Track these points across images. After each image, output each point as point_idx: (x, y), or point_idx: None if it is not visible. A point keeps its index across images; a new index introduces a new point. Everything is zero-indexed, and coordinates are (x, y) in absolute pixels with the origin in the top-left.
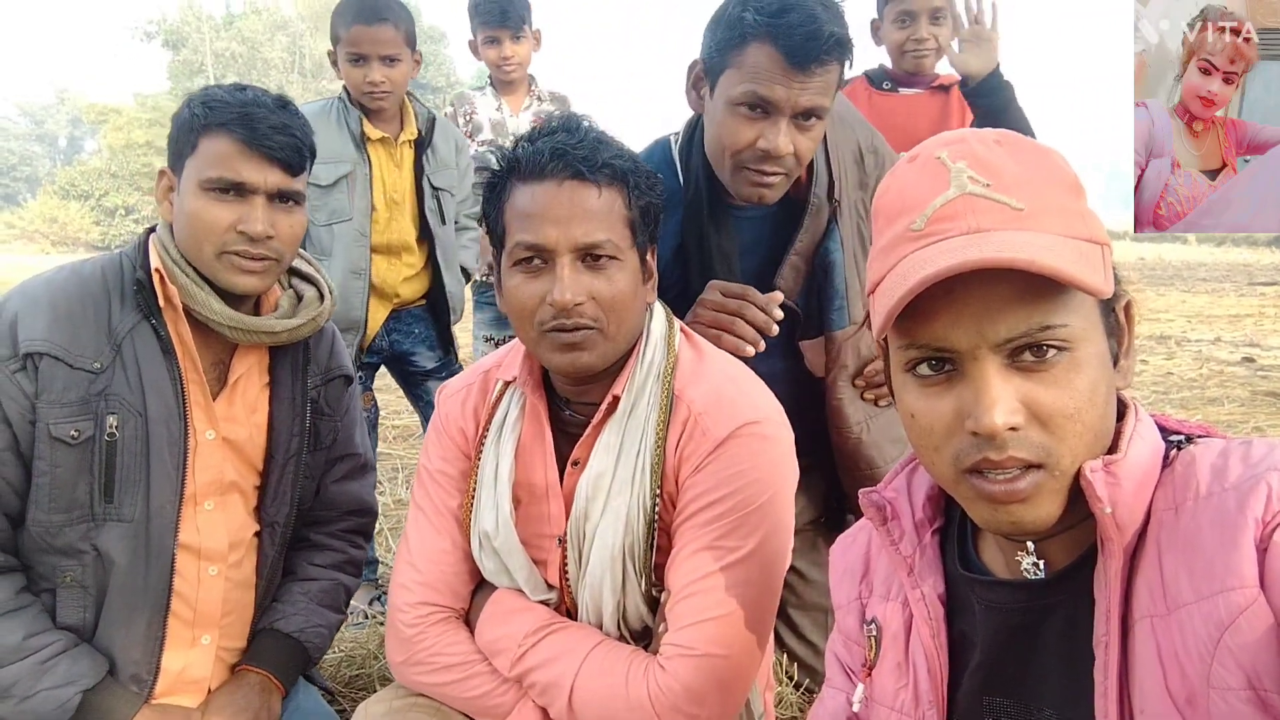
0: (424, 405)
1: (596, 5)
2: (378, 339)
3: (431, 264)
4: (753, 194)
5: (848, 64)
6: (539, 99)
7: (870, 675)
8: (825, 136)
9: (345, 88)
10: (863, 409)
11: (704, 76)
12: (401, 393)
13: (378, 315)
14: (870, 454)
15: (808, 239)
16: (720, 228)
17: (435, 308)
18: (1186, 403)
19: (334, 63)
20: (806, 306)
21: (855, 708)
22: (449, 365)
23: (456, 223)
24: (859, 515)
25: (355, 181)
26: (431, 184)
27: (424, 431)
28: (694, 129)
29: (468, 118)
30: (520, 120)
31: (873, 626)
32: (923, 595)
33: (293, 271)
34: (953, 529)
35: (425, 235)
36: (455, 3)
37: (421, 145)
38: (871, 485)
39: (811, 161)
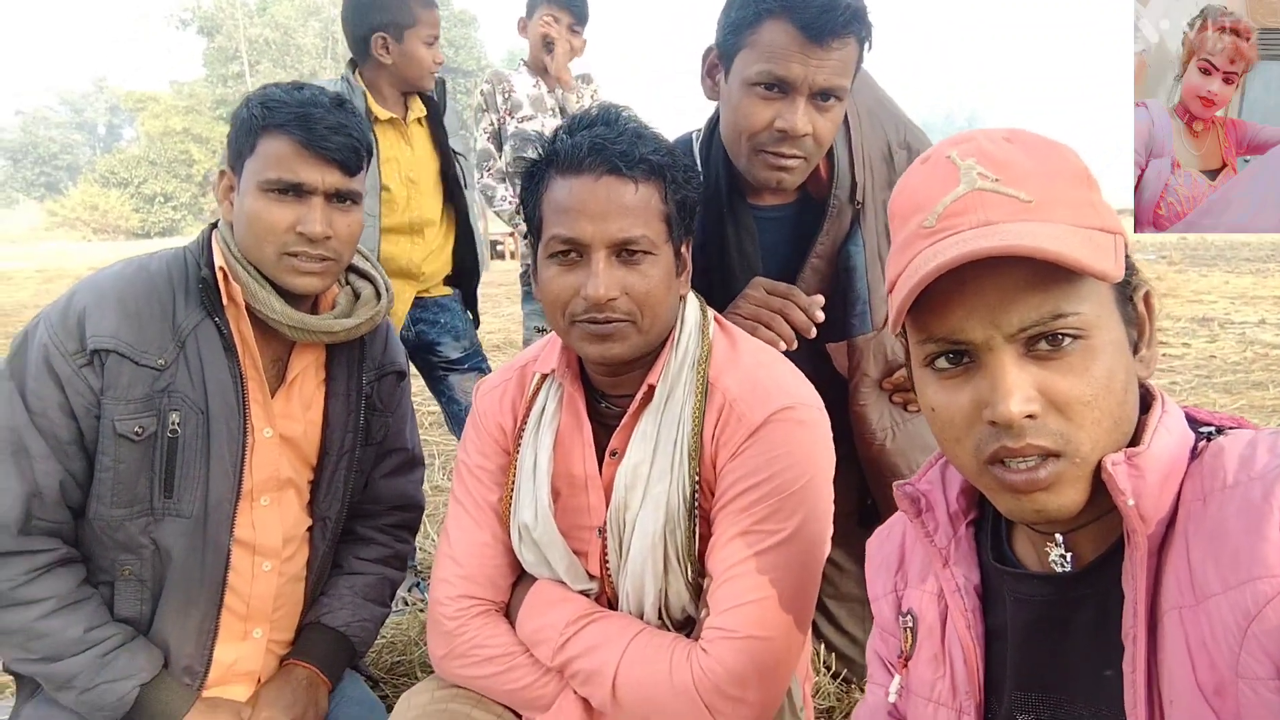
0: (446, 400)
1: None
2: (404, 330)
3: (458, 231)
4: (771, 178)
5: (867, 44)
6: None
7: (906, 666)
8: (850, 136)
9: (352, 68)
10: (889, 415)
11: (719, 61)
12: None
13: (404, 295)
14: (895, 461)
15: (829, 241)
16: (740, 227)
17: (461, 275)
18: (1230, 387)
19: (382, 48)
20: (830, 310)
21: (892, 699)
22: (472, 358)
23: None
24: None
25: None
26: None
27: (447, 423)
28: (714, 125)
29: (506, 95)
30: (556, 94)
31: (909, 618)
32: (958, 587)
33: (350, 268)
34: (987, 521)
35: (451, 202)
36: None
37: (436, 116)
38: None
39: (834, 161)
